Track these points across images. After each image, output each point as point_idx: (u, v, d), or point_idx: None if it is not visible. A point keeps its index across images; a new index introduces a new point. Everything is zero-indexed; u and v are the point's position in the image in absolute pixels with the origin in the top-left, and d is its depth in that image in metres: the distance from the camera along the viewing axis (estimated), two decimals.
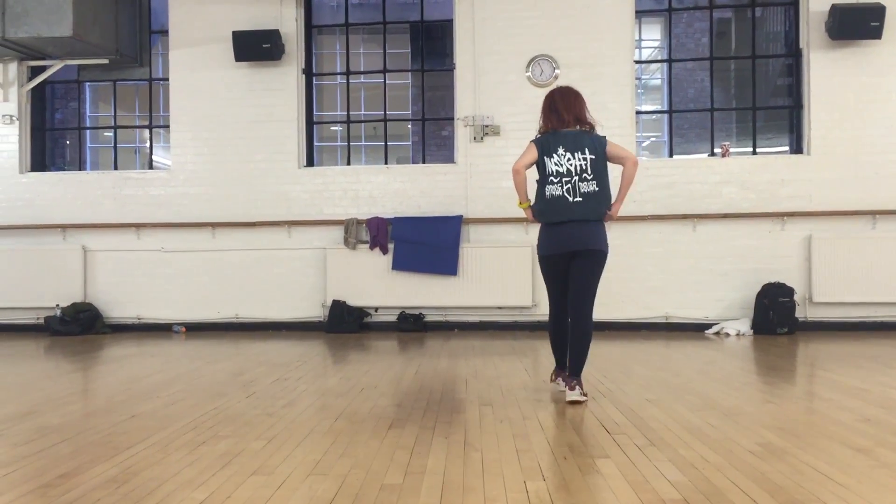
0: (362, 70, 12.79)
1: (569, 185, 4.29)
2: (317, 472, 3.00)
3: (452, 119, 8.72)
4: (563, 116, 4.39)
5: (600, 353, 6.48)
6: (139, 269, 8.88)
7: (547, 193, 4.34)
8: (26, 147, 9.17)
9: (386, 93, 9.37)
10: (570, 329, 4.45)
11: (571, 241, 4.31)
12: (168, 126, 9.05)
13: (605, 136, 4.42)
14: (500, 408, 4.22)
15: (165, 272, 8.85)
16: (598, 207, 4.33)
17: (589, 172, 4.29)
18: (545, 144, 4.36)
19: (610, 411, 4.07)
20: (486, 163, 8.38)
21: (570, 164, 4.28)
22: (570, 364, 4.42)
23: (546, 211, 4.37)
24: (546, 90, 8.22)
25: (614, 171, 4.43)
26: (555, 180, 4.31)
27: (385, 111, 9.29)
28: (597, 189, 4.31)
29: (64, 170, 9.74)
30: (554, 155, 4.32)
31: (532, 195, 4.49)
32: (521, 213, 8.18)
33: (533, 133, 8.67)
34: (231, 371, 5.71)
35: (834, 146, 8.11)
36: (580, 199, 4.28)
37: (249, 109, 8.77)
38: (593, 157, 4.31)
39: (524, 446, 3.35)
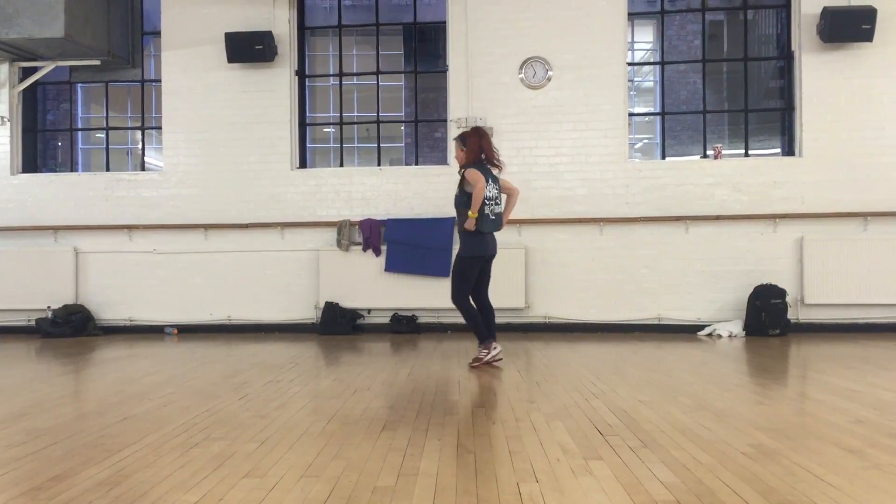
0: (355, 72, 12.80)
1: (490, 207, 5.84)
2: (309, 474, 3.00)
3: (445, 121, 8.73)
4: (487, 154, 5.90)
5: (593, 355, 6.49)
6: (131, 270, 8.85)
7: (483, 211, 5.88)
8: (17, 148, 9.13)
9: (379, 94, 9.37)
10: (488, 308, 6.06)
11: (491, 248, 5.99)
12: (160, 127, 9.02)
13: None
14: (492, 409, 4.22)
15: (157, 274, 8.83)
16: (502, 223, 6.02)
17: (498, 199, 5.97)
18: (484, 173, 5.82)
19: (603, 413, 4.07)
20: None
21: (492, 192, 5.87)
22: (492, 331, 6.00)
23: (481, 224, 5.81)
24: (540, 92, 8.41)
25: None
26: (486, 202, 5.79)
27: (378, 113, 9.30)
28: (500, 211, 6.00)
29: (55, 171, 9.72)
30: (488, 183, 5.82)
31: (464, 212, 5.87)
32: (515, 215, 8.29)
33: (527, 135, 8.73)
34: (223, 373, 5.70)
35: (826, 148, 8.15)
36: (494, 217, 5.90)
37: (242, 111, 8.76)
38: (498, 188, 5.98)
39: (517, 448, 3.35)
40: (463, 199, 5.87)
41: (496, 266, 8.21)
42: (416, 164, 9.14)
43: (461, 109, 8.50)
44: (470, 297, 5.97)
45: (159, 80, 9.02)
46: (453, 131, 8.48)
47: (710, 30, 11.61)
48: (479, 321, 5.93)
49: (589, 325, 8.31)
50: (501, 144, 8.32)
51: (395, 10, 11.57)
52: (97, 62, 8.89)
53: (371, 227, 8.46)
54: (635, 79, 14.10)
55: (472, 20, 8.50)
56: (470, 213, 5.73)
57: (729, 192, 8.25)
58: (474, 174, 5.75)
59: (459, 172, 5.96)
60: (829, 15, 7.89)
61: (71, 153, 9.92)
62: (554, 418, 3.96)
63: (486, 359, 5.91)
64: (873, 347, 6.83)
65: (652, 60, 13.72)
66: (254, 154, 8.75)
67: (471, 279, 5.92)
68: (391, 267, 8.40)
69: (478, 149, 5.86)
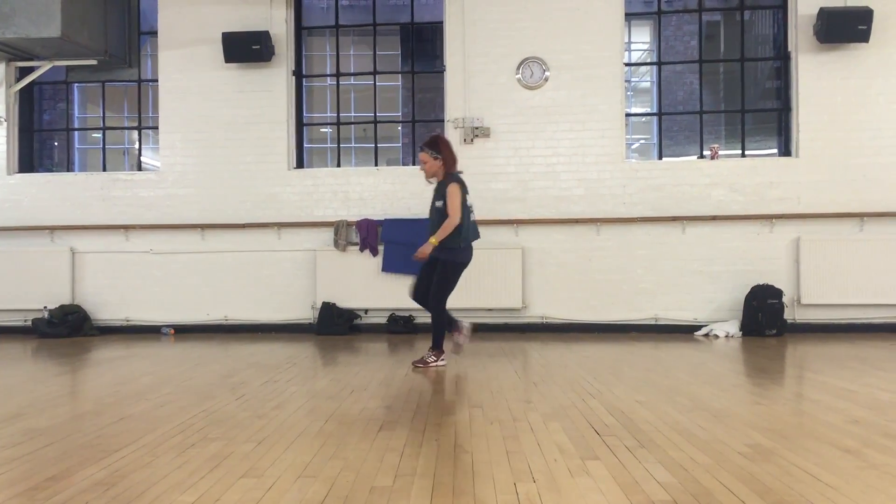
0: (352, 72, 12.78)
1: (470, 216, 5.87)
2: (306, 474, 2.99)
3: (442, 121, 8.72)
4: (454, 162, 5.93)
5: (590, 355, 6.49)
6: (128, 270, 8.84)
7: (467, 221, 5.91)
8: (14, 148, 9.12)
9: (376, 94, 9.37)
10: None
11: (471, 255, 5.97)
12: (157, 127, 9.01)
13: None
14: (490, 409, 4.22)
15: (154, 274, 8.82)
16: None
17: (472, 208, 5.95)
18: (463, 186, 5.85)
19: (600, 413, 4.07)
20: (477, 165, 8.37)
21: (469, 202, 5.89)
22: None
23: (468, 234, 5.86)
24: (537, 92, 8.41)
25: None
26: (469, 212, 5.85)
27: (375, 113, 9.29)
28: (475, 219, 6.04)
29: (52, 171, 9.69)
30: (467, 194, 5.86)
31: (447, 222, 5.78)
32: (512, 216, 8.29)
33: (523, 136, 8.72)
34: (220, 373, 5.69)
35: (822, 149, 8.16)
36: (473, 225, 5.94)
37: (239, 111, 8.75)
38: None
39: (514, 448, 3.36)
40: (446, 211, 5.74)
41: (492, 265, 8.30)
42: (414, 164, 9.13)
43: (458, 110, 8.50)
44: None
45: (156, 80, 9.01)
46: (451, 131, 8.47)
47: (706, 30, 11.63)
48: (446, 331, 5.95)
49: (586, 326, 8.31)
50: (498, 144, 8.37)
51: (392, 10, 11.56)
52: (94, 62, 8.87)
53: (368, 227, 8.46)
54: (632, 79, 14.12)
55: (470, 20, 8.50)
56: (433, 239, 5.70)
57: (725, 193, 8.26)
58: (455, 200, 5.68)
59: (442, 178, 5.85)
60: (825, 16, 7.91)
61: (67, 153, 9.91)
62: (551, 418, 3.96)
63: (433, 364, 5.86)
64: (870, 348, 6.85)
65: (649, 61, 13.72)
66: (251, 154, 8.74)
67: (454, 285, 5.94)
68: (388, 267, 8.40)
69: (451, 158, 5.88)
